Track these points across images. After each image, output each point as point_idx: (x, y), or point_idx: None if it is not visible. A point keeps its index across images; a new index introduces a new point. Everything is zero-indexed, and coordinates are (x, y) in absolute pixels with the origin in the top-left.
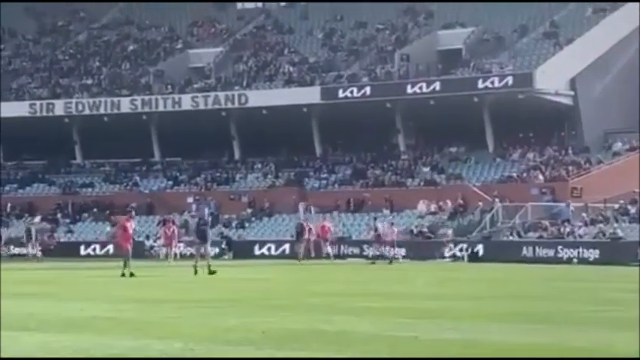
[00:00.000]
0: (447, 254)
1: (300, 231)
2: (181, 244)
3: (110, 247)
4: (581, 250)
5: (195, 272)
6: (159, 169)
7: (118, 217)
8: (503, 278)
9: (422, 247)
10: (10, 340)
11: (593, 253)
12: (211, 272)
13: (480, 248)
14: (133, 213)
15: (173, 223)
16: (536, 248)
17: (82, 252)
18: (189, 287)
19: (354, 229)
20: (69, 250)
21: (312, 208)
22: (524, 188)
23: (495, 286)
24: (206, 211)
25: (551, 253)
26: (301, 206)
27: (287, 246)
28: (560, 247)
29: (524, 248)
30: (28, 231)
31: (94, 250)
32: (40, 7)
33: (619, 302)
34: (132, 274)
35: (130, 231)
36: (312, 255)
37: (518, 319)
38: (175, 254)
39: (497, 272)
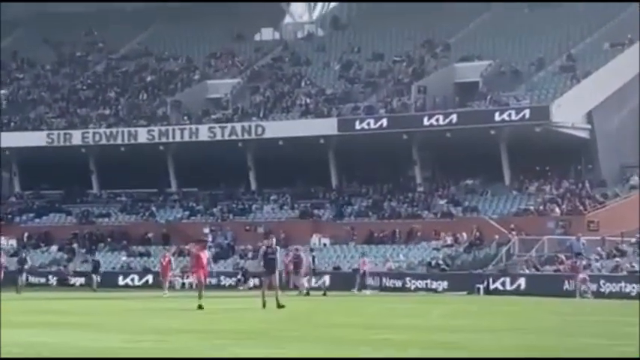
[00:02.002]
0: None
1: (298, 262)
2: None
3: (149, 278)
4: (623, 284)
5: (264, 305)
6: (175, 200)
7: (192, 247)
8: (517, 311)
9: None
10: None
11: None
12: (280, 306)
13: (522, 282)
14: (207, 243)
15: (190, 252)
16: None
17: (121, 282)
18: (229, 318)
19: (369, 260)
20: (105, 280)
21: (327, 240)
22: (541, 221)
23: (512, 319)
24: (274, 240)
25: (593, 287)
26: (315, 238)
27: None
28: (602, 281)
29: (566, 282)
30: (96, 263)
31: (132, 280)
32: (58, 37)
33: None
34: (200, 307)
35: (205, 261)
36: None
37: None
38: (173, 284)
39: (514, 305)
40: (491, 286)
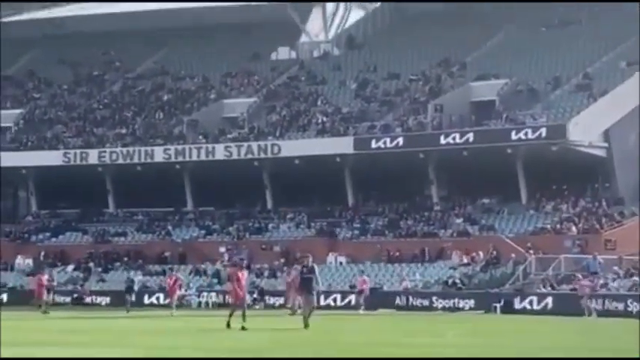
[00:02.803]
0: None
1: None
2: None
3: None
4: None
5: (306, 325)
6: (192, 219)
7: (231, 269)
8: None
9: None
10: None
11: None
12: (306, 325)
13: (549, 301)
14: (245, 263)
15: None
16: (606, 301)
17: (146, 301)
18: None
19: (385, 279)
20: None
21: (343, 258)
22: (558, 240)
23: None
24: (310, 259)
25: (620, 306)
26: (331, 256)
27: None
28: (629, 300)
29: (594, 301)
30: (130, 281)
31: (158, 299)
32: (75, 57)
33: None
34: (243, 328)
35: (243, 281)
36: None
37: None
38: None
39: (532, 324)
40: (518, 306)
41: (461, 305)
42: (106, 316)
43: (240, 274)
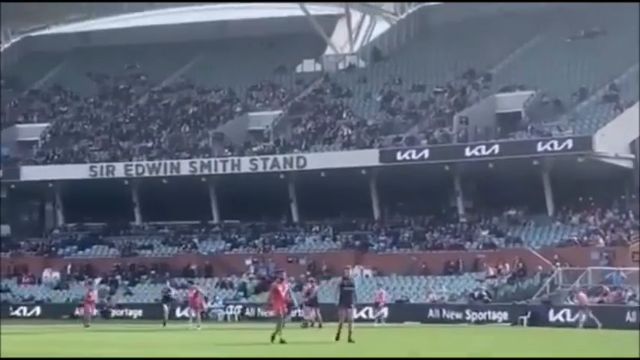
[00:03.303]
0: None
1: (315, 296)
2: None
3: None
4: None
5: (337, 337)
6: (217, 231)
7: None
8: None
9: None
10: None
11: None
12: (350, 340)
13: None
14: (284, 275)
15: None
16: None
17: (178, 314)
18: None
19: (412, 292)
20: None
21: (369, 271)
22: (585, 252)
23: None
24: (351, 272)
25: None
26: (357, 269)
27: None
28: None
29: (628, 313)
30: (167, 290)
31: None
32: (101, 70)
33: None
34: (282, 341)
35: (283, 294)
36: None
37: None
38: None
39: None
40: (552, 318)
41: (489, 318)
42: (139, 329)
43: (279, 287)
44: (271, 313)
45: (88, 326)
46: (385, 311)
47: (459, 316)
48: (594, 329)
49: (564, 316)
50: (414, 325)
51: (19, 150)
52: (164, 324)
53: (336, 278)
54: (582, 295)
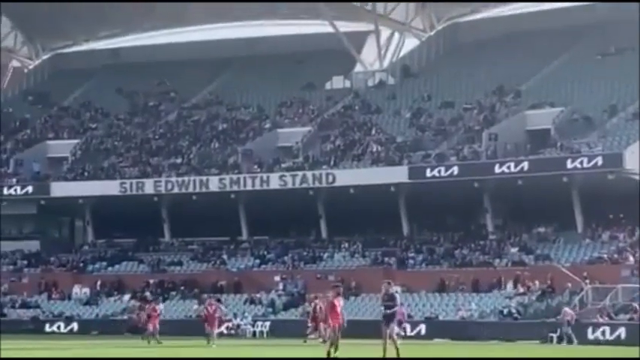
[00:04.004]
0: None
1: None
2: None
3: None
4: None
5: (384, 356)
6: (246, 248)
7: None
8: None
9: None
10: None
11: None
12: (399, 357)
13: (622, 331)
14: (341, 289)
15: (218, 301)
16: None
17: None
18: None
19: (440, 309)
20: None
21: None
22: (614, 270)
23: None
24: (393, 288)
25: None
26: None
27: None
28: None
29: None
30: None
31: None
32: (131, 87)
33: None
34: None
35: (339, 309)
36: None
37: None
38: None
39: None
40: (590, 336)
41: (518, 335)
42: (178, 345)
43: (335, 302)
44: (307, 331)
45: (149, 341)
46: (407, 327)
47: (488, 333)
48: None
49: (604, 333)
50: (443, 342)
51: (49, 166)
52: (208, 342)
53: (366, 294)
54: (568, 310)
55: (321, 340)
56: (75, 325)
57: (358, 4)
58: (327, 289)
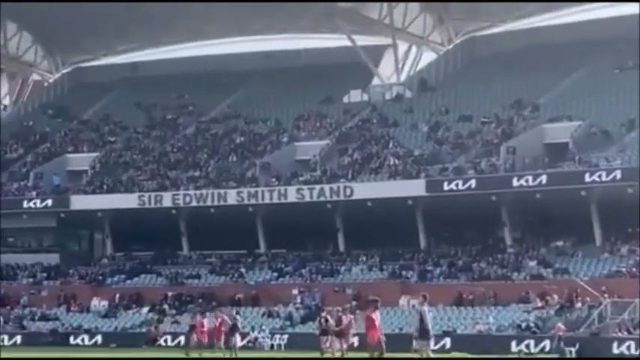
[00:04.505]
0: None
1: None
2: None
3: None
4: None
5: None
6: (264, 261)
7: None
8: None
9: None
10: None
11: None
12: None
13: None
14: (378, 304)
15: (237, 314)
16: None
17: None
18: None
19: (459, 323)
20: None
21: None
22: (634, 283)
23: None
24: (425, 307)
25: None
26: (403, 299)
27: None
28: None
29: None
30: (233, 319)
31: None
32: (150, 101)
33: None
34: None
35: (377, 322)
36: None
37: None
38: (232, 346)
39: None
40: (615, 350)
41: (536, 349)
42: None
43: (373, 315)
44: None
45: (192, 354)
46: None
47: (506, 347)
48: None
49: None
50: (461, 356)
51: (68, 179)
52: (233, 354)
53: (384, 308)
54: (562, 325)
55: (333, 353)
56: (99, 338)
57: (376, 17)
58: (344, 303)
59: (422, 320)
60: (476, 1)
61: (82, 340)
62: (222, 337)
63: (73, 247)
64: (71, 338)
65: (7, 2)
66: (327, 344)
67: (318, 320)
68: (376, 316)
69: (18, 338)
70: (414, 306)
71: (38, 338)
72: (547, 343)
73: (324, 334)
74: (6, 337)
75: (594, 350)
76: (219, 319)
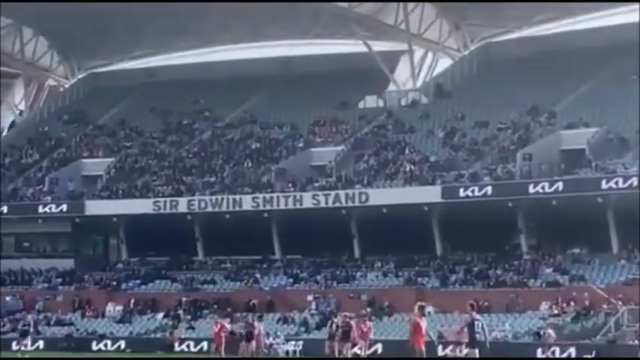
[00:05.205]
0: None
1: (347, 330)
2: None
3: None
4: None
5: None
6: (279, 267)
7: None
8: None
9: None
10: None
11: None
12: None
13: None
14: (426, 310)
15: (260, 318)
16: None
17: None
18: None
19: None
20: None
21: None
22: None
23: None
24: (474, 315)
25: None
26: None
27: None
28: None
29: None
30: (249, 326)
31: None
32: (165, 106)
33: None
34: None
35: (424, 330)
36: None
37: None
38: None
39: None
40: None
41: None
42: None
43: (420, 322)
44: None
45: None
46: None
47: (522, 354)
48: None
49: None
50: None
51: (83, 184)
52: None
53: (399, 314)
54: (550, 332)
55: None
56: (122, 343)
57: (392, 23)
58: (359, 309)
59: (471, 328)
60: (493, 1)
61: (105, 345)
62: (223, 343)
63: (88, 252)
64: (93, 344)
65: (23, 2)
66: (329, 350)
67: (329, 325)
68: (423, 322)
69: (41, 343)
70: (429, 313)
71: (55, 343)
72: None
73: (331, 338)
74: (29, 343)
75: (611, 358)
76: (219, 325)
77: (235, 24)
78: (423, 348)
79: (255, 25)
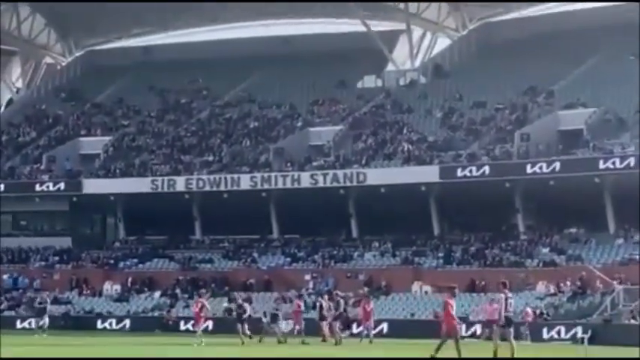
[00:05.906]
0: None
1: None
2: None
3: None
4: None
5: (495, 353)
6: (277, 246)
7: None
8: None
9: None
10: None
11: None
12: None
13: None
14: (456, 290)
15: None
16: None
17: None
18: None
19: (470, 309)
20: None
21: (428, 288)
22: None
23: None
24: (507, 294)
25: None
26: (416, 285)
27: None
28: None
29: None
30: (275, 310)
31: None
32: (163, 85)
33: None
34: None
35: (453, 311)
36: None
37: None
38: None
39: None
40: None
41: (548, 336)
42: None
43: (451, 302)
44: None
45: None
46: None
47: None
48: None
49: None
50: (471, 342)
51: (81, 163)
52: (260, 340)
53: (396, 294)
54: (530, 311)
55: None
56: (127, 322)
57: (390, 3)
58: (357, 288)
59: (505, 307)
60: None
61: (110, 324)
62: (201, 322)
63: (85, 230)
64: (98, 322)
65: None
66: (326, 329)
67: (319, 305)
68: (452, 304)
69: (46, 321)
70: (426, 292)
71: (52, 322)
72: (560, 329)
73: (322, 319)
74: (47, 321)
75: (607, 337)
76: (199, 304)
77: (234, 3)
78: (452, 328)
79: (253, 3)
